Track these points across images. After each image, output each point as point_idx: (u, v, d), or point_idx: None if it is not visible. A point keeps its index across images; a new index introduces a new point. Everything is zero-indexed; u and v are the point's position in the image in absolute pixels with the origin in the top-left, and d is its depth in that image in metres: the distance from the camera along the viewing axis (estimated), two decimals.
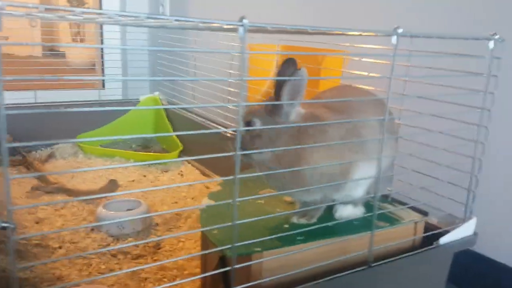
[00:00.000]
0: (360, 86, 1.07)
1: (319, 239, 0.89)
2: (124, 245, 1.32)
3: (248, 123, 0.87)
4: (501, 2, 1.20)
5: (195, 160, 2.17)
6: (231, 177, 0.66)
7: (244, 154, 0.85)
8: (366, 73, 1.04)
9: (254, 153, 0.86)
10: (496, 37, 0.93)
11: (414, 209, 1.07)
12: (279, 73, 0.86)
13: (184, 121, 2.31)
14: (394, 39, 0.77)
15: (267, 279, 0.81)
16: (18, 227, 1.45)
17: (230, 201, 0.68)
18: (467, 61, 0.93)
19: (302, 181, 0.87)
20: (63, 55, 5.40)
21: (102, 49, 2.69)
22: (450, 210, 1.06)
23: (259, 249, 0.83)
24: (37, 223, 1.51)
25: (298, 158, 0.86)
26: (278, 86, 0.84)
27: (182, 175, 2.06)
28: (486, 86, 0.96)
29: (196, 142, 2.15)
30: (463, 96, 0.91)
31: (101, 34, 2.69)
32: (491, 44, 0.94)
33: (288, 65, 0.85)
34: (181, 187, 1.86)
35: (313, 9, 1.76)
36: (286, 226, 0.95)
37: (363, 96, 1.01)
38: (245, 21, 0.57)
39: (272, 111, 0.88)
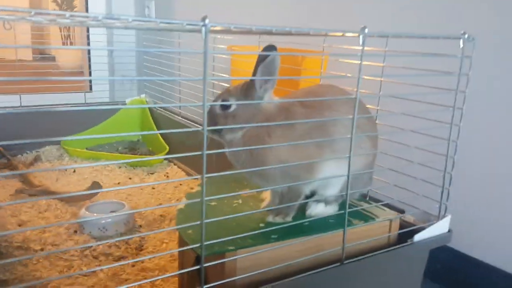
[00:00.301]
0: (342, 86, 1.08)
1: (293, 237, 0.90)
2: (103, 242, 1.32)
3: (223, 102, 0.91)
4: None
5: (181, 161, 2.18)
6: (198, 176, 0.67)
7: (217, 133, 0.90)
8: (336, 73, 1.04)
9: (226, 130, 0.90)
10: (465, 36, 0.94)
11: (390, 207, 1.08)
12: (260, 57, 0.88)
13: (171, 123, 2.32)
14: (361, 39, 0.78)
15: (241, 276, 0.81)
16: (0, 229, 1.45)
17: (198, 200, 0.68)
18: (447, 61, 0.94)
19: (263, 169, 0.89)
20: (53, 59, 5.39)
21: (89, 52, 2.69)
22: (427, 208, 1.07)
23: (232, 247, 0.84)
24: (19, 225, 1.50)
25: (262, 144, 0.88)
26: (255, 70, 0.88)
27: (167, 176, 2.06)
28: (457, 85, 0.97)
29: (182, 144, 2.16)
30: (439, 96, 0.92)
31: (88, 37, 2.69)
32: (461, 43, 0.96)
33: (270, 50, 0.87)
34: (167, 189, 1.86)
35: (307, 8, 1.77)
36: (262, 225, 0.95)
37: (338, 94, 1.01)
38: (206, 21, 0.58)
39: (247, 93, 0.91)
